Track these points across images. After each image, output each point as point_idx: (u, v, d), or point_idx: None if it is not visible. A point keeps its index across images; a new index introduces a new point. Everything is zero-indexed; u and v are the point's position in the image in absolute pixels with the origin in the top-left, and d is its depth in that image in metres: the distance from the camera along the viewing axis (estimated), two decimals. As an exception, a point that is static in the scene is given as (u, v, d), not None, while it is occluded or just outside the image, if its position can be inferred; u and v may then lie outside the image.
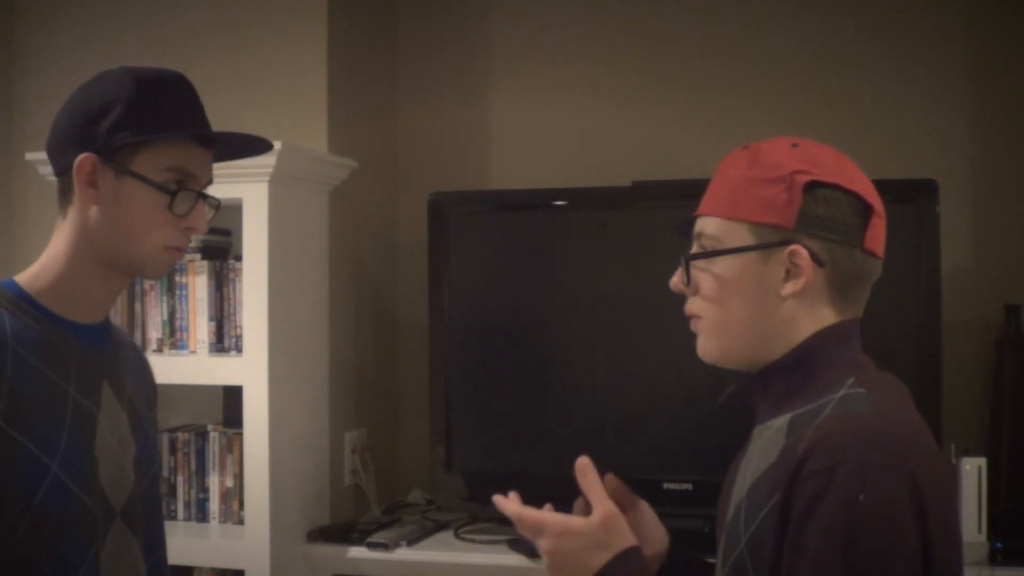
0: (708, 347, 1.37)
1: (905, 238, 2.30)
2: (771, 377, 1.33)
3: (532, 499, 2.58)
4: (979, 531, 2.18)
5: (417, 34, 2.96)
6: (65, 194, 1.43)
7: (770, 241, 1.29)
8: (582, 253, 2.50)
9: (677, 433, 2.41)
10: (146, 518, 1.53)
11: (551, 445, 2.47)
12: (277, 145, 2.30)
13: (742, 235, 1.31)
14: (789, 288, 1.29)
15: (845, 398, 1.25)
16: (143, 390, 1.60)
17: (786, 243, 1.29)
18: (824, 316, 1.31)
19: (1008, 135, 2.63)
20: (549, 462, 2.49)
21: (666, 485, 2.37)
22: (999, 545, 2.19)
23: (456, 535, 2.49)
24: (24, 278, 1.43)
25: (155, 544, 1.60)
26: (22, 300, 1.40)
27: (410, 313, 2.86)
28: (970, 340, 2.56)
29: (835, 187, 1.29)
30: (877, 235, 1.32)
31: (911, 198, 2.30)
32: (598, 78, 2.85)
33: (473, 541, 2.45)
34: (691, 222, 1.40)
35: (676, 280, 1.38)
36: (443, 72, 2.95)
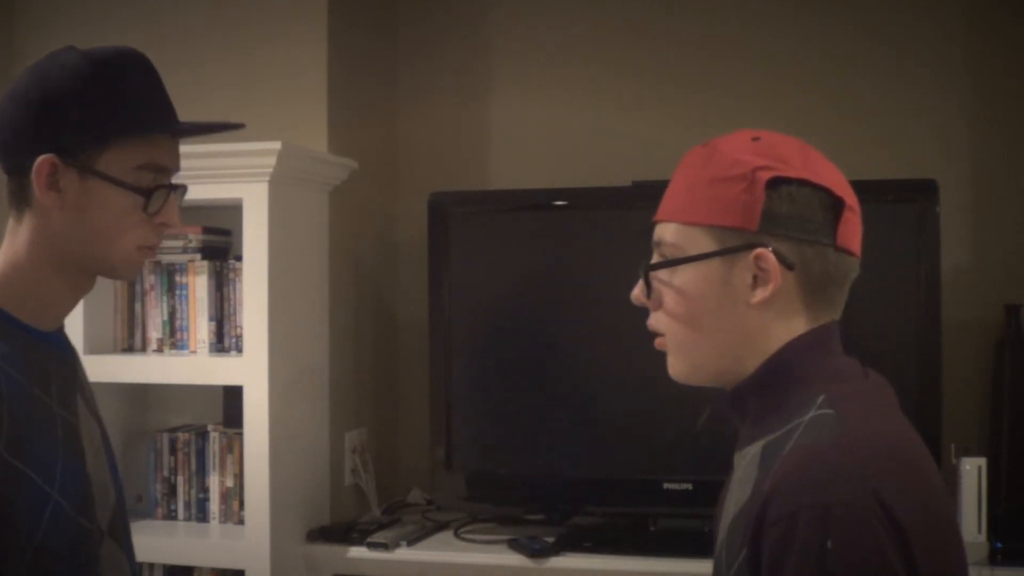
0: (677, 366, 1.29)
1: (905, 238, 2.30)
2: (744, 397, 1.24)
3: (532, 499, 2.60)
4: (979, 531, 2.18)
5: (417, 34, 2.96)
6: (19, 194, 1.30)
7: (733, 245, 1.19)
8: (582, 253, 2.50)
9: (677, 433, 2.40)
10: (123, 528, 1.43)
11: (551, 445, 2.47)
12: (277, 145, 2.30)
13: (703, 241, 1.21)
14: (758, 295, 1.19)
15: (812, 422, 1.14)
16: (94, 394, 1.49)
17: (750, 247, 1.18)
18: (797, 322, 1.21)
19: (1008, 135, 2.63)
20: (549, 462, 2.49)
21: (666, 485, 2.37)
22: (999, 545, 2.19)
23: (456, 535, 2.49)
24: None
25: (132, 552, 1.47)
26: None
27: (410, 313, 2.86)
28: (970, 340, 2.56)
29: (801, 182, 1.19)
30: (851, 231, 1.21)
31: (911, 198, 2.30)
32: (598, 78, 2.85)
33: (473, 541, 2.45)
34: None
35: (637, 293, 1.28)
36: (443, 72, 2.95)
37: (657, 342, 1.30)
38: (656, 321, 1.28)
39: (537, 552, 2.31)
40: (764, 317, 1.20)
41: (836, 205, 1.20)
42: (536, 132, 2.88)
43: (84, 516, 1.29)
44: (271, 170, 2.32)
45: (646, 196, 2.46)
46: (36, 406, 1.26)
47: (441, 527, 2.54)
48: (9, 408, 1.21)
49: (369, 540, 2.40)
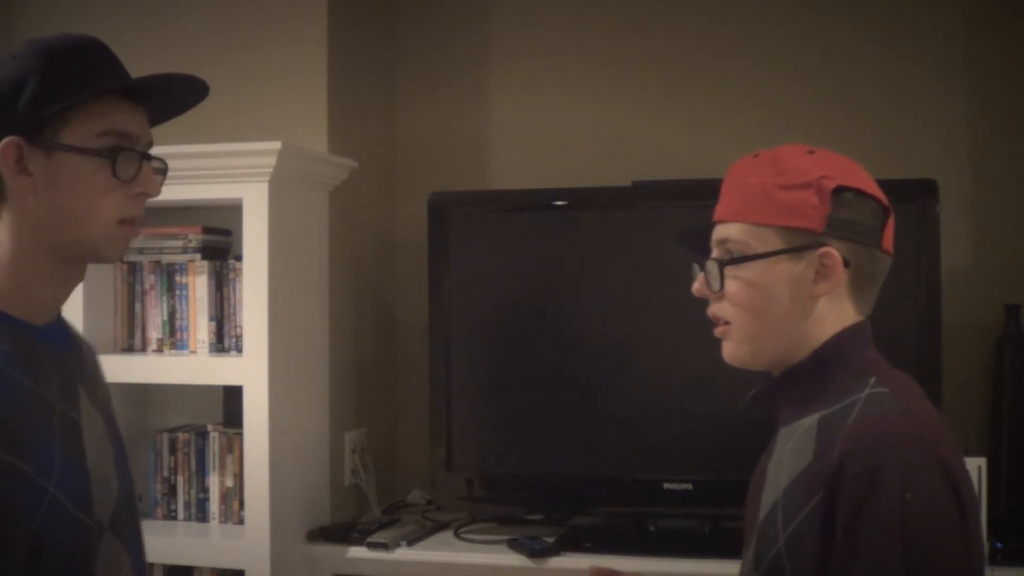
0: (738, 352, 1.41)
1: (905, 238, 2.27)
2: (794, 380, 1.38)
3: (532, 499, 2.60)
4: (979, 531, 2.18)
5: (417, 34, 2.96)
6: None
7: (800, 244, 1.35)
8: (582, 253, 2.50)
9: (677, 433, 2.41)
10: (128, 523, 1.42)
11: (551, 445, 2.47)
12: (277, 145, 2.30)
13: (771, 239, 1.36)
14: (821, 288, 1.35)
15: (871, 397, 1.29)
16: (106, 386, 1.50)
17: (816, 245, 1.34)
18: (847, 313, 1.38)
19: (1008, 135, 2.63)
20: (549, 462, 2.49)
21: (666, 485, 2.37)
22: (999, 545, 2.19)
23: (456, 535, 2.49)
24: None
25: (137, 548, 1.47)
26: None
27: (410, 313, 2.86)
28: (970, 340, 2.56)
29: (857, 191, 1.36)
30: (890, 235, 1.40)
31: (911, 198, 2.30)
32: (598, 78, 2.85)
33: (473, 541, 2.45)
34: (695, 231, 1.45)
35: (700, 286, 1.42)
36: (443, 72, 2.95)
37: (718, 330, 1.43)
38: (721, 310, 1.41)
39: (537, 552, 2.31)
40: (822, 308, 1.37)
41: (884, 212, 1.39)
42: (536, 132, 2.88)
43: (82, 511, 1.28)
44: (271, 170, 2.32)
45: (646, 196, 2.49)
46: (32, 401, 1.25)
47: (441, 527, 2.54)
48: (3, 405, 1.21)
49: (369, 540, 2.40)
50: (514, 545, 2.36)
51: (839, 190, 1.35)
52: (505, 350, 2.53)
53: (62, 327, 1.38)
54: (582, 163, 2.81)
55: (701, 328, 2.33)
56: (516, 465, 2.51)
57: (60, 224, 1.28)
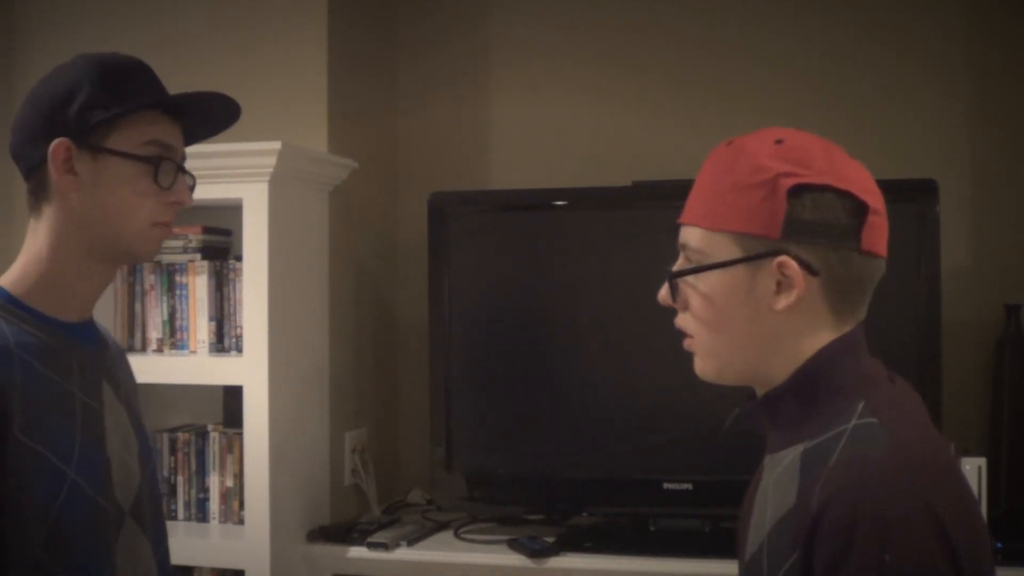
0: (704, 367, 1.29)
1: (905, 238, 2.30)
2: (777, 402, 1.24)
3: (532, 499, 2.60)
4: (979, 531, 2.18)
5: (417, 34, 2.96)
6: (39, 191, 1.40)
7: (756, 252, 1.20)
8: (582, 253, 2.50)
9: (677, 433, 2.41)
10: (151, 513, 1.52)
11: (551, 445, 2.47)
12: (277, 145, 2.30)
13: (727, 247, 1.22)
14: (782, 302, 1.19)
15: (857, 431, 1.15)
16: (132, 384, 1.58)
17: (774, 254, 1.19)
18: (824, 326, 1.22)
19: (1008, 135, 2.63)
20: (549, 462, 2.49)
21: (666, 485, 2.37)
22: (999, 545, 2.19)
23: (456, 535, 2.49)
24: (8, 281, 1.39)
25: (160, 538, 1.59)
26: (12, 304, 1.37)
27: (410, 313, 2.86)
28: (970, 340, 2.56)
29: (824, 188, 1.18)
30: (876, 233, 1.21)
31: (911, 198, 2.30)
32: (598, 78, 2.85)
33: (473, 541, 2.45)
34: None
35: (663, 295, 1.30)
36: (443, 72, 2.95)
37: (686, 343, 1.31)
38: (684, 322, 1.30)
39: (537, 552, 2.31)
40: (790, 322, 1.21)
41: (860, 209, 1.20)
42: (536, 132, 2.88)
43: (101, 495, 1.36)
44: (271, 170, 2.32)
45: (646, 196, 2.50)
46: (53, 390, 1.34)
47: (441, 527, 2.54)
48: (23, 392, 1.29)
49: (369, 540, 2.40)
50: (514, 545, 2.36)
51: (798, 189, 1.18)
52: (505, 350, 2.53)
53: (91, 326, 1.47)
54: (582, 163, 2.81)
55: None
56: (516, 465, 2.51)
57: (100, 222, 1.38)
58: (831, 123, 2.67)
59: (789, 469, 1.20)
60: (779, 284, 1.20)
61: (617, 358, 2.46)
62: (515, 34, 2.92)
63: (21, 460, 1.27)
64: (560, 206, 2.53)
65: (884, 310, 2.36)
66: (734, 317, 1.23)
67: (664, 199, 2.48)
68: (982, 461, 2.21)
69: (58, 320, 1.39)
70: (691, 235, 1.26)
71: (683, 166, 2.61)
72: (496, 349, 2.55)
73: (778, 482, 1.21)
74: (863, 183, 1.22)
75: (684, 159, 2.71)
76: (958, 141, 2.66)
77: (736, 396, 1.35)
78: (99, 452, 1.38)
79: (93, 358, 1.44)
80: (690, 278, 1.26)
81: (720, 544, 2.33)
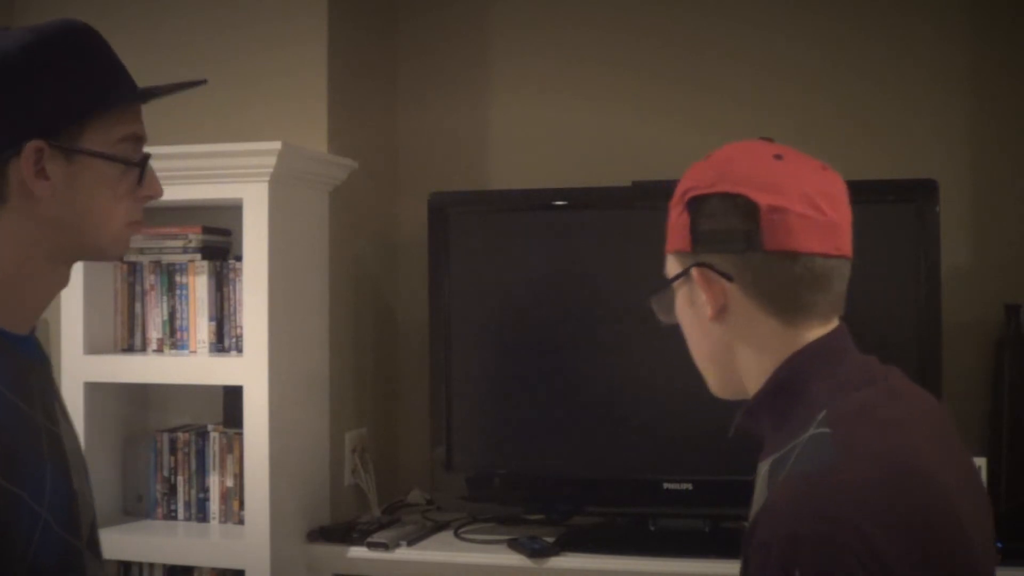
0: (710, 384, 1.34)
1: (905, 238, 2.30)
2: (756, 411, 1.26)
3: (532, 499, 2.60)
4: (979, 531, 2.18)
5: (417, 34, 2.96)
6: None
7: (684, 267, 1.26)
8: (582, 253, 2.50)
9: (677, 433, 2.41)
10: (97, 538, 1.35)
11: (551, 445, 2.47)
12: (277, 145, 2.30)
13: (673, 266, 1.29)
14: (709, 310, 1.23)
15: (807, 444, 1.14)
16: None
17: (690, 266, 1.25)
18: (769, 331, 1.22)
19: (1008, 135, 2.63)
20: (549, 462, 2.49)
21: (666, 485, 2.37)
22: (999, 545, 2.18)
23: (456, 535, 2.49)
24: None
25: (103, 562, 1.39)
26: None
27: (410, 313, 2.86)
28: (970, 340, 2.56)
29: (720, 196, 1.20)
30: (784, 231, 1.18)
31: (911, 198, 2.30)
32: (598, 78, 2.85)
33: (473, 541, 2.45)
34: None
35: (663, 317, 1.36)
36: (443, 72, 2.95)
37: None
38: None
39: (537, 552, 2.31)
40: (730, 331, 1.25)
41: (752, 210, 1.19)
42: (536, 132, 2.88)
43: (69, 532, 1.22)
44: (271, 170, 2.32)
45: (646, 196, 2.49)
46: (24, 421, 1.19)
47: (441, 527, 2.54)
48: (2, 429, 1.14)
49: (369, 540, 2.40)
50: (514, 545, 2.36)
51: (694, 201, 1.22)
52: (505, 350, 2.54)
53: (35, 337, 1.31)
54: (582, 163, 2.81)
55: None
56: (516, 465, 2.51)
57: (73, 227, 1.24)
58: (831, 123, 2.67)
59: (762, 483, 1.21)
60: (706, 295, 1.24)
61: (617, 358, 2.46)
62: (515, 34, 2.92)
63: (1, 507, 1.12)
64: (560, 206, 2.53)
65: (884, 310, 2.38)
66: (692, 332, 1.30)
67: (664, 199, 2.48)
68: (982, 461, 2.21)
69: (11, 334, 1.22)
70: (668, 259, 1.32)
71: (683, 166, 2.59)
72: (496, 349, 2.55)
73: (756, 495, 1.23)
74: (768, 183, 1.19)
75: (684, 159, 2.69)
76: (958, 141, 2.65)
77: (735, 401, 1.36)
78: (67, 486, 1.23)
79: (44, 375, 1.29)
80: (654, 300, 1.33)
81: (720, 544, 2.33)
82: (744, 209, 1.19)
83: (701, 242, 1.23)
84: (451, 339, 2.52)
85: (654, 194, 2.52)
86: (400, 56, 2.97)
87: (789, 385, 1.21)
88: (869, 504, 1.07)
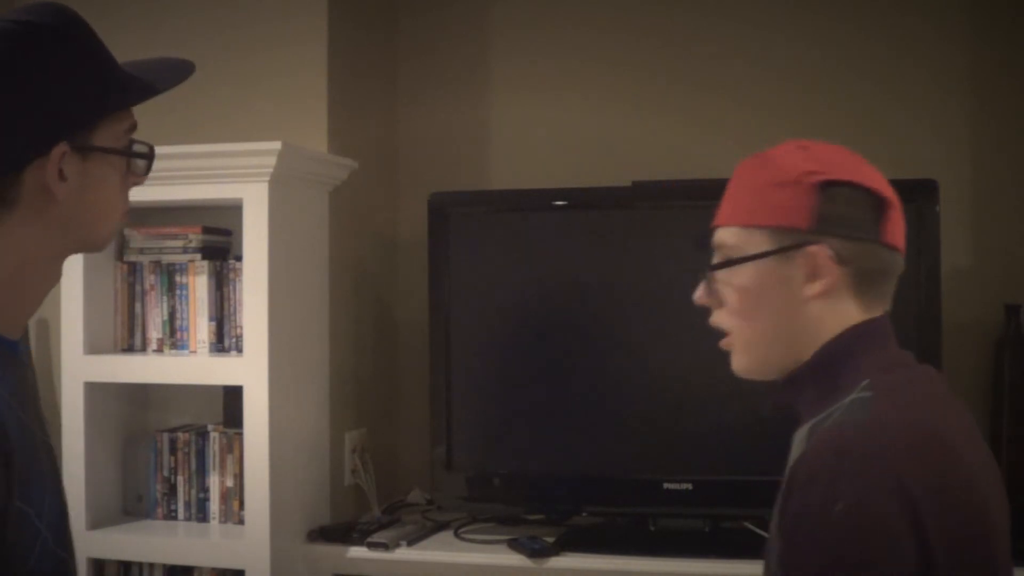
0: (742, 363, 1.37)
1: (905, 238, 2.29)
2: (798, 382, 1.32)
3: (532, 499, 2.60)
4: (979, 531, 2.18)
5: (417, 34, 2.96)
6: (4, 193, 1.15)
7: (789, 244, 1.29)
8: (582, 253, 2.50)
9: (677, 433, 2.41)
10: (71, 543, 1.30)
11: (551, 445, 2.47)
12: (277, 145, 2.31)
13: (761, 241, 1.31)
14: (814, 289, 1.29)
15: (850, 404, 1.23)
16: None
17: (805, 244, 1.28)
18: (850, 313, 1.30)
19: (1008, 135, 2.63)
20: (549, 462, 2.49)
21: (666, 485, 2.37)
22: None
23: (456, 535, 2.49)
24: None
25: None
26: None
27: (410, 313, 2.86)
28: (970, 340, 2.56)
29: (848, 184, 1.29)
30: (895, 228, 1.32)
31: (911, 198, 2.27)
32: (598, 78, 2.85)
33: (473, 541, 2.45)
34: (710, 235, 1.39)
35: (700, 294, 1.38)
36: (443, 72, 2.95)
37: (723, 342, 1.38)
38: (719, 319, 1.37)
39: (537, 552, 2.31)
40: (818, 309, 1.30)
41: (880, 204, 1.30)
42: (536, 132, 2.88)
43: (61, 547, 1.20)
44: (271, 170, 2.32)
45: (646, 196, 2.50)
46: (27, 436, 1.15)
47: (441, 527, 2.54)
48: (16, 448, 1.11)
49: (369, 540, 2.40)
50: (514, 545, 2.36)
51: (827, 185, 1.28)
52: (505, 350, 2.53)
53: (25, 339, 1.28)
54: (582, 163, 2.81)
55: (701, 328, 2.33)
56: (516, 465, 2.51)
57: (82, 224, 1.21)
58: (831, 123, 2.67)
59: (799, 444, 1.29)
60: (809, 273, 1.29)
61: (617, 358, 2.46)
62: (515, 34, 2.92)
63: (16, 527, 1.11)
64: (560, 206, 2.53)
65: (884, 310, 2.37)
66: (768, 306, 1.32)
67: (664, 199, 2.50)
68: (982, 461, 2.21)
69: (6, 339, 1.18)
70: (726, 234, 1.35)
71: (683, 166, 2.64)
72: (496, 349, 2.55)
73: (792, 458, 1.29)
74: (882, 183, 1.32)
75: (684, 159, 2.74)
76: (958, 141, 2.65)
77: (739, 390, 1.38)
78: (59, 500, 1.21)
79: (33, 380, 1.26)
80: (725, 273, 1.34)
81: (720, 544, 2.33)
82: (873, 201, 1.30)
83: (825, 223, 1.28)
84: (451, 339, 2.52)
85: (654, 194, 2.54)
86: (400, 56, 2.97)
87: (837, 358, 1.29)
88: (902, 453, 1.15)
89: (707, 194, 1.47)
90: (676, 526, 2.41)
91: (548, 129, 2.87)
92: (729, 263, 1.33)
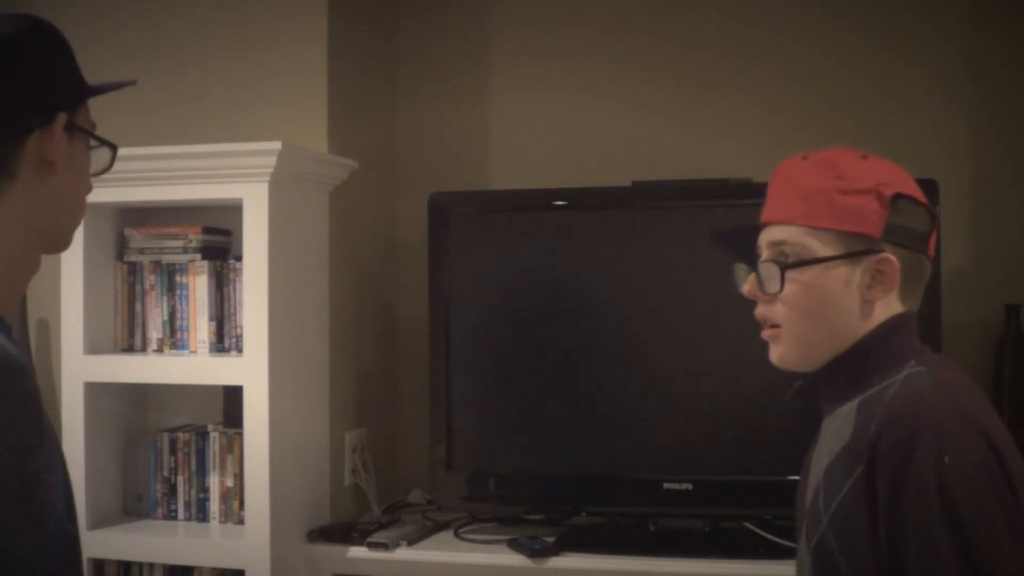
0: (789, 355, 1.44)
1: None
2: (837, 370, 1.41)
3: (532, 499, 2.60)
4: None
5: (417, 34, 2.96)
6: (5, 161, 1.17)
7: (860, 249, 1.38)
8: (582, 253, 2.50)
9: (677, 433, 2.41)
10: None
11: (551, 445, 2.47)
12: (277, 145, 2.31)
13: (831, 243, 1.39)
14: (877, 293, 1.39)
15: (908, 377, 1.34)
16: None
17: (875, 251, 1.38)
18: (892, 313, 1.42)
19: (1008, 135, 2.63)
20: (549, 462, 2.49)
21: (666, 485, 2.37)
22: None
23: (456, 535, 2.49)
24: None
25: None
26: None
27: (410, 313, 2.86)
28: (970, 340, 2.56)
29: (913, 199, 1.41)
30: (934, 242, 1.45)
31: (911, 198, 2.30)
32: (598, 78, 2.85)
33: (473, 541, 2.45)
34: (735, 232, 1.49)
35: (752, 288, 1.44)
36: (443, 72, 2.95)
37: (767, 333, 1.45)
38: (771, 313, 1.44)
39: (537, 552, 2.31)
40: (872, 310, 1.40)
41: (933, 221, 1.44)
42: (536, 132, 2.88)
43: (70, 523, 1.21)
44: (271, 170, 2.32)
45: (646, 196, 2.49)
46: (41, 410, 1.16)
47: (441, 527, 2.54)
48: (47, 422, 1.13)
49: (369, 540, 2.40)
50: (514, 545, 2.36)
51: (897, 197, 1.39)
52: (505, 350, 2.53)
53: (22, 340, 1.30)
54: (582, 163, 2.81)
55: (701, 328, 2.33)
56: (516, 465, 2.51)
57: (65, 209, 1.24)
58: (832, 123, 2.67)
59: (846, 418, 1.37)
60: (873, 277, 1.39)
61: (617, 358, 2.45)
62: (515, 34, 2.92)
63: (44, 498, 1.12)
64: (560, 206, 2.53)
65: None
66: (830, 305, 1.40)
67: (664, 199, 2.50)
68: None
69: (7, 324, 1.18)
70: (788, 232, 1.42)
71: (683, 166, 2.64)
72: (496, 349, 2.54)
73: (835, 433, 1.38)
74: (925, 198, 1.44)
75: (684, 159, 2.74)
76: (958, 141, 2.65)
77: (739, 390, 1.39)
78: (67, 476, 1.22)
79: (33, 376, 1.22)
80: (792, 271, 1.41)
81: (720, 544, 2.33)
82: (927, 217, 1.43)
83: (893, 233, 1.39)
84: (451, 339, 2.52)
85: (654, 194, 2.54)
86: (400, 56, 2.97)
87: (882, 342, 1.39)
88: (976, 407, 1.31)
89: (707, 194, 1.48)
90: (676, 526, 2.41)
91: (548, 129, 2.87)
92: (805, 262, 1.39)
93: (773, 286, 1.42)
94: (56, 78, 1.21)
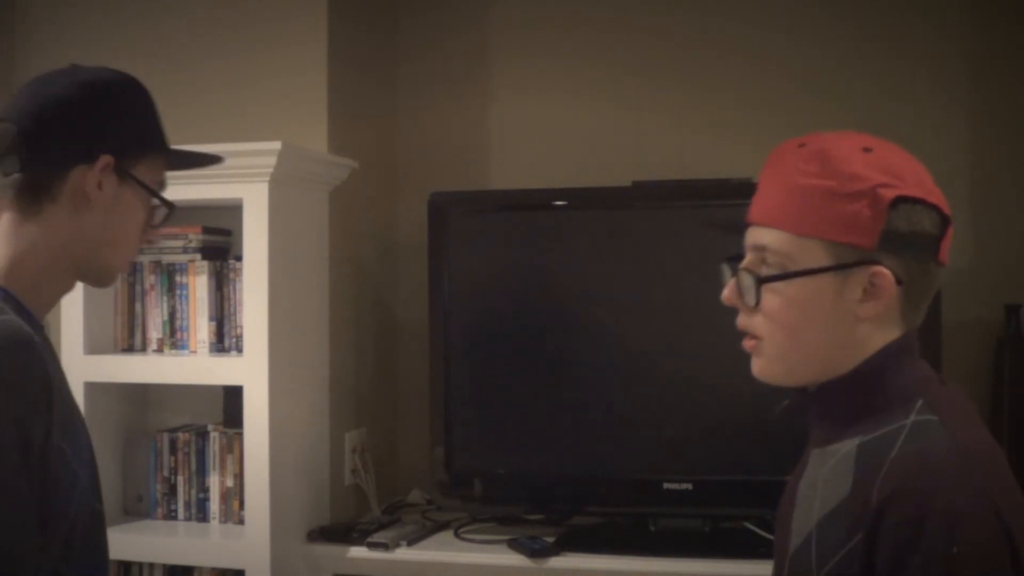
0: (770, 370, 1.28)
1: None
2: (831, 397, 1.26)
3: (532, 499, 2.60)
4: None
5: (417, 34, 2.96)
6: (43, 190, 1.34)
7: (850, 261, 1.21)
8: (582, 253, 2.50)
9: (677, 433, 2.41)
10: None
11: (551, 445, 2.47)
12: (277, 145, 2.31)
13: (816, 254, 1.22)
14: (869, 310, 1.22)
15: (917, 427, 1.18)
16: None
17: (867, 263, 1.20)
18: (892, 331, 1.25)
19: (1008, 135, 2.63)
20: (549, 462, 2.49)
21: (666, 485, 2.37)
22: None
23: (456, 535, 2.49)
24: (2, 277, 1.34)
25: None
26: (15, 302, 1.32)
27: (410, 313, 2.86)
28: (970, 340, 2.56)
29: (917, 201, 1.21)
30: (947, 245, 1.26)
31: (911, 198, 2.29)
32: (598, 78, 2.85)
33: (473, 541, 2.45)
34: (742, 222, 1.30)
35: (730, 295, 1.29)
36: (443, 72, 2.95)
37: (748, 344, 1.29)
38: (752, 325, 1.28)
39: (537, 552, 2.31)
40: (867, 327, 1.24)
41: (943, 223, 1.24)
42: (536, 132, 2.88)
43: (97, 499, 1.35)
44: (271, 170, 2.32)
45: (646, 196, 2.49)
46: (67, 390, 1.32)
47: (441, 527, 2.54)
48: (59, 394, 1.26)
49: (369, 540, 2.40)
50: (514, 545, 2.36)
51: (898, 201, 1.19)
52: (505, 350, 2.53)
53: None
54: (582, 163, 2.81)
55: (701, 328, 2.33)
56: (516, 465, 2.50)
57: (100, 245, 1.39)
58: (831, 123, 2.64)
59: (843, 462, 1.21)
60: (865, 292, 1.22)
61: (617, 358, 2.45)
62: (515, 34, 2.92)
63: (56, 465, 1.24)
64: (560, 206, 2.53)
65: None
66: (815, 321, 1.24)
67: (664, 199, 2.50)
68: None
69: (39, 323, 1.36)
70: (772, 237, 1.25)
71: (683, 166, 2.64)
72: (496, 349, 2.54)
73: (830, 476, 1.23)
74: (941, 196, 1.25)
75: (684, 159, 2.74)
76: (958, 141, 2.65)
77: (739, 390, 1.35)
78: (91, 452, 1.36)
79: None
80: (771, 283, 1.25)
81: (720, 544, 2.33)
82: (937, 220, 1.24)
83: (890, 242, 1.21)
84: (451, 339, 2.52)
85: (654, 194, 2.54)
86: (400, 56, 2.97)
87: (882, 372, 1.23)
88: (993, 483, 1.14)
89: (707, 194, 1.46)
90: (676, 526, 2.41)
91: (548, 129, 2.87)
92: (783, 276, 1.23)
93: (750, 299, 1.25)
94: (116, 125, 1.38)
